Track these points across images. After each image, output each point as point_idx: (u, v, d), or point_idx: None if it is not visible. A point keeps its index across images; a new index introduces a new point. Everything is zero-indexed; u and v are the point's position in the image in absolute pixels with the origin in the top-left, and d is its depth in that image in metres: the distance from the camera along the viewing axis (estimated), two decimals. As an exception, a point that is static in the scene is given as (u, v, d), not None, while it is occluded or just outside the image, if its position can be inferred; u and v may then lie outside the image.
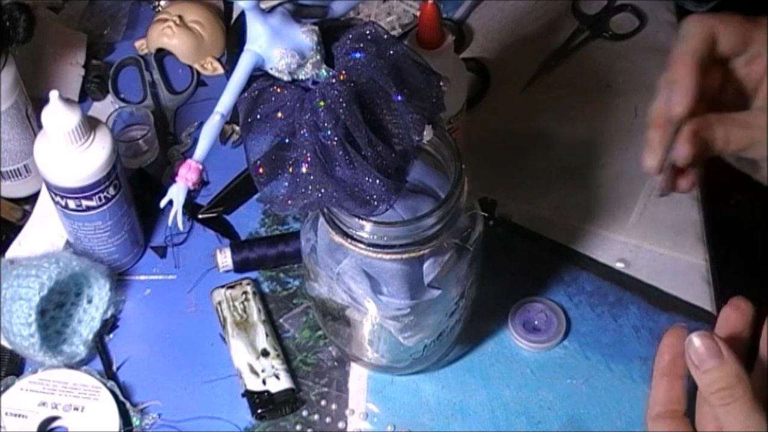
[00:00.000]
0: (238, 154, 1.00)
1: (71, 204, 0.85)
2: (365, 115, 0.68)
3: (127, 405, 0.84)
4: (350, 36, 0.69)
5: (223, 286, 0.90)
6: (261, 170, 0.70)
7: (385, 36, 0.70)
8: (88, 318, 0.88)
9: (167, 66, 1.07)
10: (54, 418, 0.84)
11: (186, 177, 0.68)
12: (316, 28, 0.69)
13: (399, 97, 0.68)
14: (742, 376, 0.65)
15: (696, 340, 0.66)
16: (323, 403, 0.85)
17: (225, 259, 0.91)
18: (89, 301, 0.88)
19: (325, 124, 0.67)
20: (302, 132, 0.67)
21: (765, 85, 0.78)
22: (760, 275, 1.07)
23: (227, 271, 0.92)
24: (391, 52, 0.69)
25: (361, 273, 0.74)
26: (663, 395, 0.70)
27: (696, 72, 0.75)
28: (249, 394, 0.84)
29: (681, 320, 0.89)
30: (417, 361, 0.83)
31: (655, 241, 0.94)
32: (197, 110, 1.04)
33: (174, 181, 0.68)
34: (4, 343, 0.86)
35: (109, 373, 0.87)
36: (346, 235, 0.72)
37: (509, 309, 0.89)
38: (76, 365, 0.86)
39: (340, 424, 0.85)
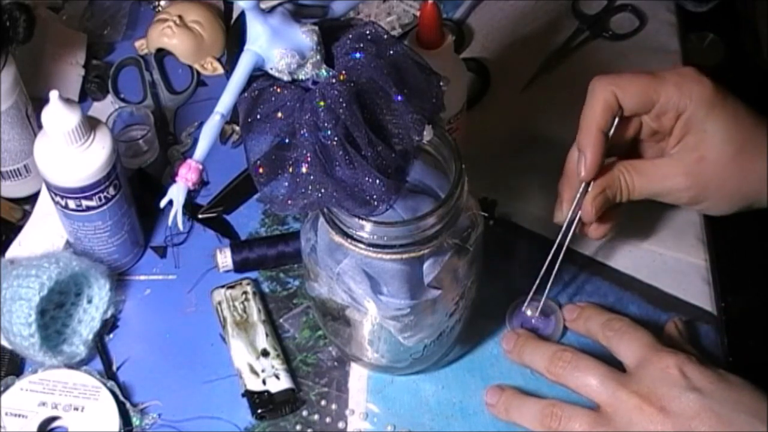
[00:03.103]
0: (238, 154, 1.00)
1: (71, 204, 0.85)
2: (365, 115, 0.68)
3: (127, 405, 0.84)
4: (350, 36, 0.69)
5: (223, 286, 0.90)
6: (261, 170, 0.70)
7: (385, 36, 0.70)
8: (88, 318, 0.88)
9: (167, 66, 1.07)
10: (54, 418, 0.84)
11: (186, 177, 0.68)
12: (316, 28, 0.69)
13: (399, 97, 0.68)
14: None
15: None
16: (323, 403, 0.85)
17: (225, 259, 0.91)
18: (89, 301, 0.88)
19: (325, 124, 0.67)
20: (302, 132, 0.67)
21: (675, 136, 0.83)
22: (760, 275, 1.07)
23: (227, 271, 0.92)
24: (391, 52, 0.69)
25: (361, 273, 0.74)
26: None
27: (598, 141, 0.82)
28: (249, 394, 0.84)
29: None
30: (417, 361, 0.83)
31: (655, 241, 0.94)
32: (197, 110, 1.04)
33: (174, 181, 0.68)
34: (4, 343, 0.86)
35: (109, 373, 0.87)
36: (346, 235, 0.72)
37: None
38: (76, 365, 0.86)
39: (340, 424, 0.85)
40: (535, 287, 0.87)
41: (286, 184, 0.70)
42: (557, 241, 0.85)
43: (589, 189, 0.83)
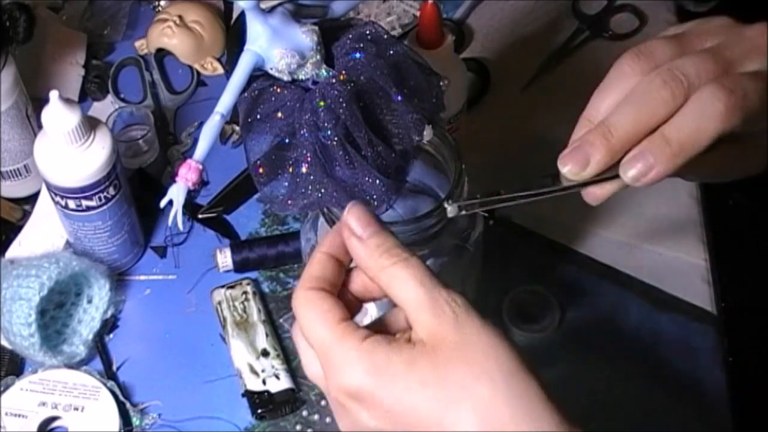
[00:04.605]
0: (238, 154, 1.00)
1: (71, 204, 0.85)
2: (365, 115, 0.68)
3: (127, 405, 0.84)
4: (350, 36, 0.69)
5: (223, 286, 0.90)
6: (261, 170, 0.70)
7: (385, 36, 0.70)
8: (88, 318, 0.88)
9: (167, 66, 1.07)
10: (54, 418, 0.84)
11: (186, 177, 0.68)
12: (316, 28, 0.69)
13: (399, 97, 0.68)
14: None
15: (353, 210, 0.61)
16: (323, 403, 0.85)
17: (225, 259, 0.91)
18: (89, 301, 0.88)
19: (325, 124, 0.67)
20: (302, 132, 0.67)
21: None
22: (760, 275, 1.07)
23: (227, 271, 0.92)
24: (391, 52, 0.69)
25: (361, 273, 0.74)
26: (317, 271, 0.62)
27: None
28: (249, 394, 0.84)
29: (681, 320, 0.89)
30: (417, 361, 0.83)
31: (655, 241, 0.94)
32: (197, 110, 1.04)
33: (174, 181, 0.68)
34: (4, 343, 0.86)
35: (109, 373, 0.87)
36: (346, 235, 0.72)
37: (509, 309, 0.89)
38: (76, 365, 0.86)
39: (340, 424, 0.85)
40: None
41: (286, 184, 0.70)
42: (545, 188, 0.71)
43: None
